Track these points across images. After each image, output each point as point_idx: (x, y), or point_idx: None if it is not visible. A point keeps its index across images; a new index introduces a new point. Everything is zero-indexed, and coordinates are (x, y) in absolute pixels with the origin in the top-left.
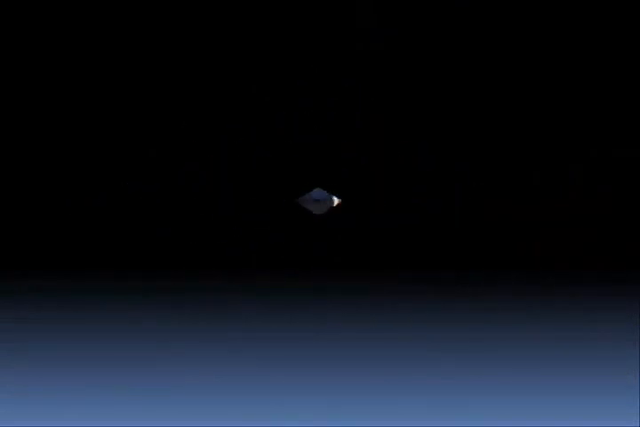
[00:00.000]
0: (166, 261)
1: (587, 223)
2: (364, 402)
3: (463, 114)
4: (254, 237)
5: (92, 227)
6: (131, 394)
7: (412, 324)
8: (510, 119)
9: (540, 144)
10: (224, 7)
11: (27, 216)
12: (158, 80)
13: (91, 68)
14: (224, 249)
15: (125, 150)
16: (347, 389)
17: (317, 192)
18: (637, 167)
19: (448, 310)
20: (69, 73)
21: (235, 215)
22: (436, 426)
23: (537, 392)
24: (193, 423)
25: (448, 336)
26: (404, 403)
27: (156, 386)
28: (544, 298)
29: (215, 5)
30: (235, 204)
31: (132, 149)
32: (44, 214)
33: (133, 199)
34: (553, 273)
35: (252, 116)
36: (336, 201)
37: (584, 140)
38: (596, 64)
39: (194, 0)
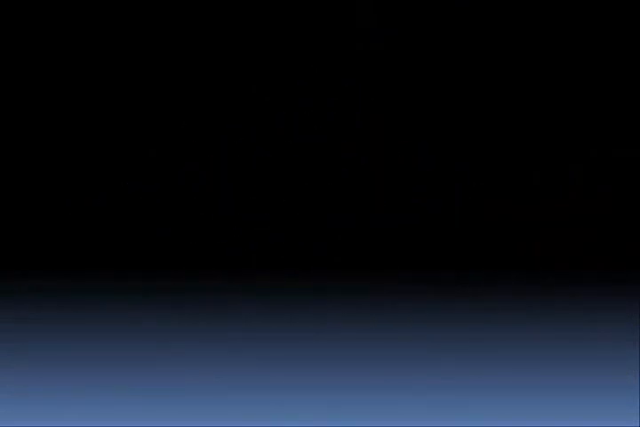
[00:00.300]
0: (166, 261)
1: (587, 223)
2: (364, 402)
3: (463, 114)
4: (254, 237)
5: (92, 227)
6: (131, 394)
7: (412, 324)
8: (510, 119)
9: (540, 144)
10: (224, 7)
11: (27, 216)
12: (158, 80)
13: (91, 67)
14: (224, 249)
15: (125, 150)
16: (347, 389)
17: None
18: (637, 167)
19: (448, 310)
20: (69, 73)
21: (235, 215)
22: (436, 426)
23: (537, 392)
24: (193, 423)
25: (448, 336)
26: (404, 403)
27: (156, 386)
28: (544, 298)
29: (215, 5)
30: (235, 204)
31: (132, 149)
32: (44, 214)
33: (133, 199)
34: (553, 273)
35: (252, 116)
36: None
37: (584, 140)
38: (596, 64)
39: (194, 0)
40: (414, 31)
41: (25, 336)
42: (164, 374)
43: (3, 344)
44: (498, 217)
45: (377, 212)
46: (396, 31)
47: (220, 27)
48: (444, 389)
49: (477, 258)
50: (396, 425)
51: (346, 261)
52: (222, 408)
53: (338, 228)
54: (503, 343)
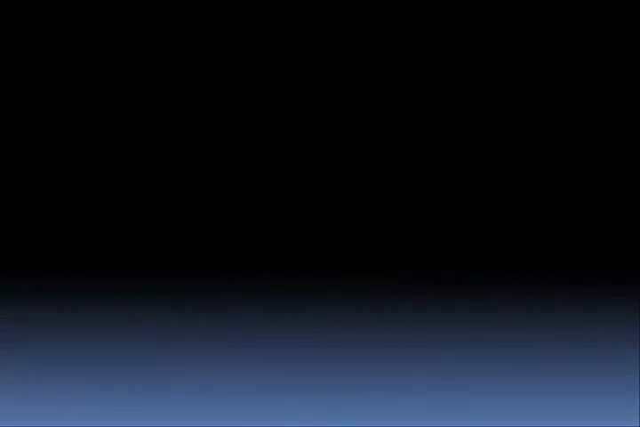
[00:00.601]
0: (166, 261)
1: (587, 223)
2: (364, 402)
3: (463, 114)
4: (254, 237)
5: (92, 227)
6: (131, 394)
7: (412, 324)
8: (510, 119)
9: (540, 144)
10: (224, 7)
11: (27, 216)
12: (158, 80)
13: (91, 67)
14: (224, 249)
15: (125, 150)
16: (347, 389)
17: None
18: (637, 167)
19: (448, 310)
20: (69, 73)
21: (235, 215)
22: (436, 426)
23: (537, 392)
24: (193, 423)
25: (448, 336)
26: (404, 403)
27: (156, 386)
28: (544, 298)
29: (215, 5)
30: (235, 204)
31: (132, 149)
32: (44, 214)
33: (133, 199)
34: (553, 273)
35: (252, 116)
36: None
37: (584, 140)
38: (596, 64)
39: (194, 0)
40: (414, 31)
41: (25, 336)
42: (164, 374)
43: (3, 344)
44: (498, 217)
45: (377, 212)
46: (396, 31)
47: (220, 27)
48: (444, 389)
49: (477, 258)
50: (395, 425)
51: (346, 261)
52: (222, 408)
53: (338, 228)
54: (503, 343)
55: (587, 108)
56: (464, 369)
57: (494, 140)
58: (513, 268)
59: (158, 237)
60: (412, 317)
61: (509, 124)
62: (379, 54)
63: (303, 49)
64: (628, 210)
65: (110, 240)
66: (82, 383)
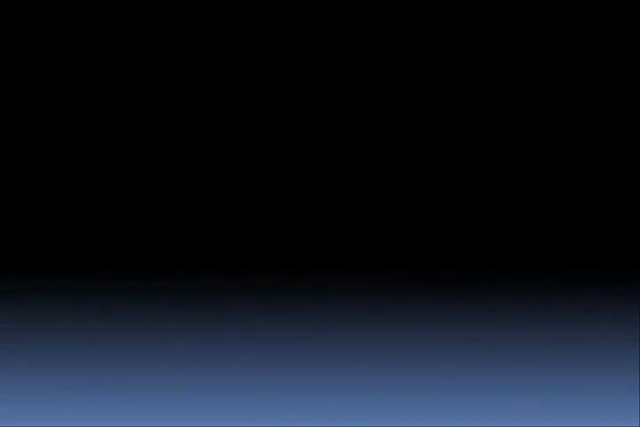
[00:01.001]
0: (166, 261)
1: (587, 223)
2: (364, 402)
3: (463, 114)
4: (254, 237)
5: (92, 227)
6: (131, 394)
7: (412, 324)
8: (510, 119)
9: (540, 144)
10: (224, 7)
11: (27, 216)
12: (158, 80)
13: (90, 67)
14: (224, 249)
15: (125, 150)
16: (347, 389)
17: None
18: (637, 167)
19: (448, 310)
20: (69, 73)
21: (235, 215)
22: (436, 426)
23: (537, 392)
24: (193, 423)
25: (448, 336)
26: (404, 403)
27: (156, 386)
28: (544, 298)
29: (215, 5)
30: (235, 204)
31: (131, 149)
32: (44, 214)
33: (133, 199)
34: (553, 273)
35: (252, 116)
36: None
37: (584, 140)
38: (596, 64)
39: (194, 0)
40: (414, 31)
41: (25, 336)
42: (164, 374)
43: (3, 344)
44: (498, 217)
45: (377, 212)
46: (396, 31)
47: (220, 27)
48: (444, 389)
49: (477, 258)
50: (396, 425)
51: (346, 261)
52: (222, 408)
53: (338, 228)
54: (503, 343)
55: (587, 108)
56: (464, 369)
57: (494, 140)
58: (513, 268)
59: (158, 237)
60: (412, 317)
61: (509, 124)
62: (379, 54)
63: (303, 49)
64: (628, 210)
65: (110, 240)
66: (82, 383)
